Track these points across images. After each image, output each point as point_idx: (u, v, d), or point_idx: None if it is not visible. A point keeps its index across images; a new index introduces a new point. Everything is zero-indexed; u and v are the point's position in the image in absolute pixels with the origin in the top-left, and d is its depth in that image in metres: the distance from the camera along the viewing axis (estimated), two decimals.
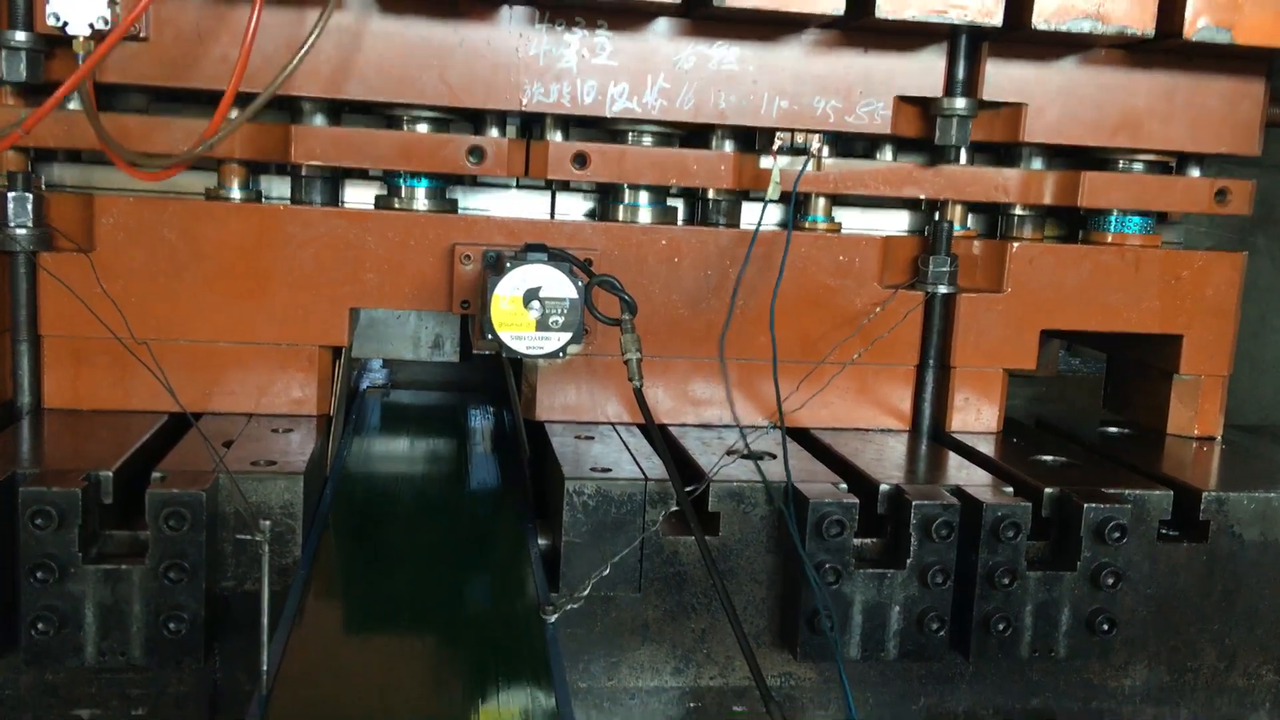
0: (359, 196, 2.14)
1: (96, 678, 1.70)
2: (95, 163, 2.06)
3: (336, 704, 1.42)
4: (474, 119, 2.07)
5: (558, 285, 1.84)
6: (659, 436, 1.83)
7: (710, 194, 2.17)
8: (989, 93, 2.08)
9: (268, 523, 1.40)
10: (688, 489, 1.73)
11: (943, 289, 2.14)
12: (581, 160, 2.04)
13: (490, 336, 1.85)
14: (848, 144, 2.20)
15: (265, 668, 1.36)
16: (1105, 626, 1.77)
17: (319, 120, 2.00)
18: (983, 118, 2.10)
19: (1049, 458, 2.04)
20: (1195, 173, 2.22)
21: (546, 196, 2.25)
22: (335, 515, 1.89)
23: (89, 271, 1.92)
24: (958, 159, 2.17)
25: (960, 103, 2.04)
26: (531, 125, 2.13)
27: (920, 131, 2.11)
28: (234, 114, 1.80)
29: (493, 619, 1.65)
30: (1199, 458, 2.16)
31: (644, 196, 2.12)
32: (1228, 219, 2.95)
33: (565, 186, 2.24)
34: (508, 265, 1.83)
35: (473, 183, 2.21)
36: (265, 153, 1.99)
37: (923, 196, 2.18)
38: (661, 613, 1.80)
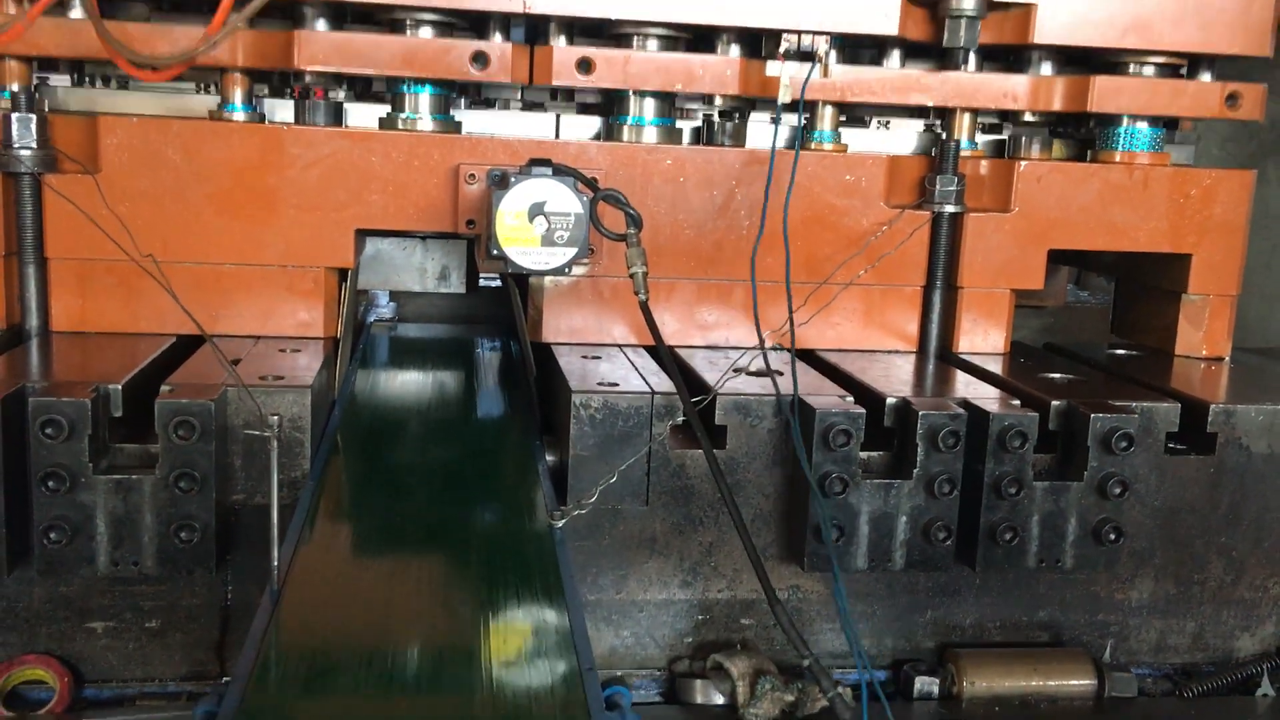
0: (362, 121, 2.13)
1: (110, 590, 1.71)
2: (99, 86, 2.06)
3: (345, 613, 1.43)
4: (478, 26, 2.06)
5: (563, 200, 1.84)
6: (665, 349, 1.83)
7: (716, 111, 2.15)
8: None
9: (275, 417, 1.41)
10: (694, 400, 1.73)
11: (949, 208, 2.13)
12: (586, 66, 2.03)
13: (496, 253, 1.85)
14: (855, 52, 2.17)
15: (274, 563, 1.36)
16: (1112, 536, 1.78)
17: (321, 26, 1.98)
18: (991, 19, 2.08)
19: (1056, 375, 2.04)
20: (1206, 78, 2.19)
21: (551, 119, 2.24)
22: (343, 436, 1.89)
23: (95, 193, 1.92)
24: (966, 63, 2.15)
25: (969, 3, 2.01)
26: (536, 33, 2.11)
27: (928, 35, 2.08)
28: (235, 16, 1.78)
29: (502, 532, 1.66)
30: (1207, 375, 2.16)
31: (649, 109, 2.11)
32: (1238, 147, 2.94)
33: (571, 99, 2.22)
34: (512, 180, 1.83)
35: (478, 95, 2.19)
36: (269, 60, 1.98)
37: (930, 104, 2.15)
38: (669, 526, 1.81)
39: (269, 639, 1.30)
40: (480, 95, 2.21)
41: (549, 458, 1.85)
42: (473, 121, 2.18)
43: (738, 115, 2.25)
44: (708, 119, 2.19)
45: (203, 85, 2.14)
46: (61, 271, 1.98)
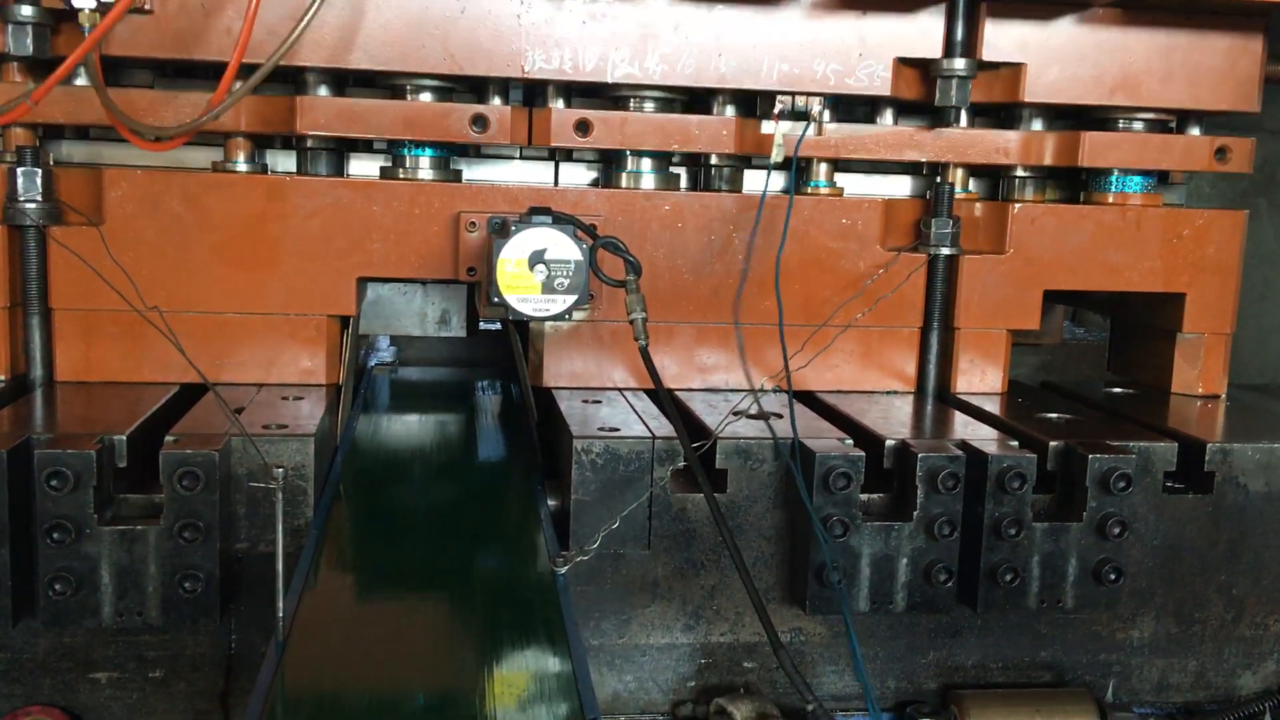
0: (363, 171, 2.16)
1: (114, 640, 1.72)
2: (103, 139, 2.09)
3: (350, 662, 1.43)
4: (477, 90, 2.09)
5: (563, 248, 1.86)
6: (665, 394, 1.85)
7: (713, 160, 2.18)
8: (988, 53, 2.10)
9: (281, 469, 1.42)
10: (695, 445, 1.75)
11: (945, 250, 2.16)
12: (584, 127, 2.06)
13: (496, 300, 1.87)
14: (849, 109, 2.21)
15: (280, 614, 1.37)
16: (1112, 576, 1.78)
17: (323, 91, 2.01)
18: (982, 79, 2.12)
19: (1054, 415, 2.05)
20: (1195, 132, 2.23)
21: (550, 168, 2.27)
22: (346, 481, 1.91)
23: (99, 244, 1.94)
24: (958, 121, 2.19)
25: (960, 63, 2.05)
26: (534, 95, 2.15)
27: (920, 94, 2.13)
28: (238, 85, 1.82)
29: (505, 578, 1.67)
30: (1203, 413, 2.17)
31: (646, 164, 2.14)
32: (1229, 185, 2.97)
33: (569, 157, 2.26)
34: (513, 229, 1.85)
35: (477, 153, 2.23)
36: (271, 124, 2.01)
37: (924, 159, 2.19)
38: (671, 570, 1.81)
39: (275, 689, 1.31)
40: (479, 153, 2.24)
41: (551, 502, 1.86)
42: (473, 170, 2.21)
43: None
44: (705, 164, 2.22)
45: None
46: (66, 322, 2.00)
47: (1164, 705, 1.99)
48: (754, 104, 2.15)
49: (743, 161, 2.20)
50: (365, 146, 2.17)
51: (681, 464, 1.77)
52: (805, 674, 1.83)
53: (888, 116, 2.19)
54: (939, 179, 2.21)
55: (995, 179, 2.33)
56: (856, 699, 1.89)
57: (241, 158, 2.05)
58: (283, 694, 1.31)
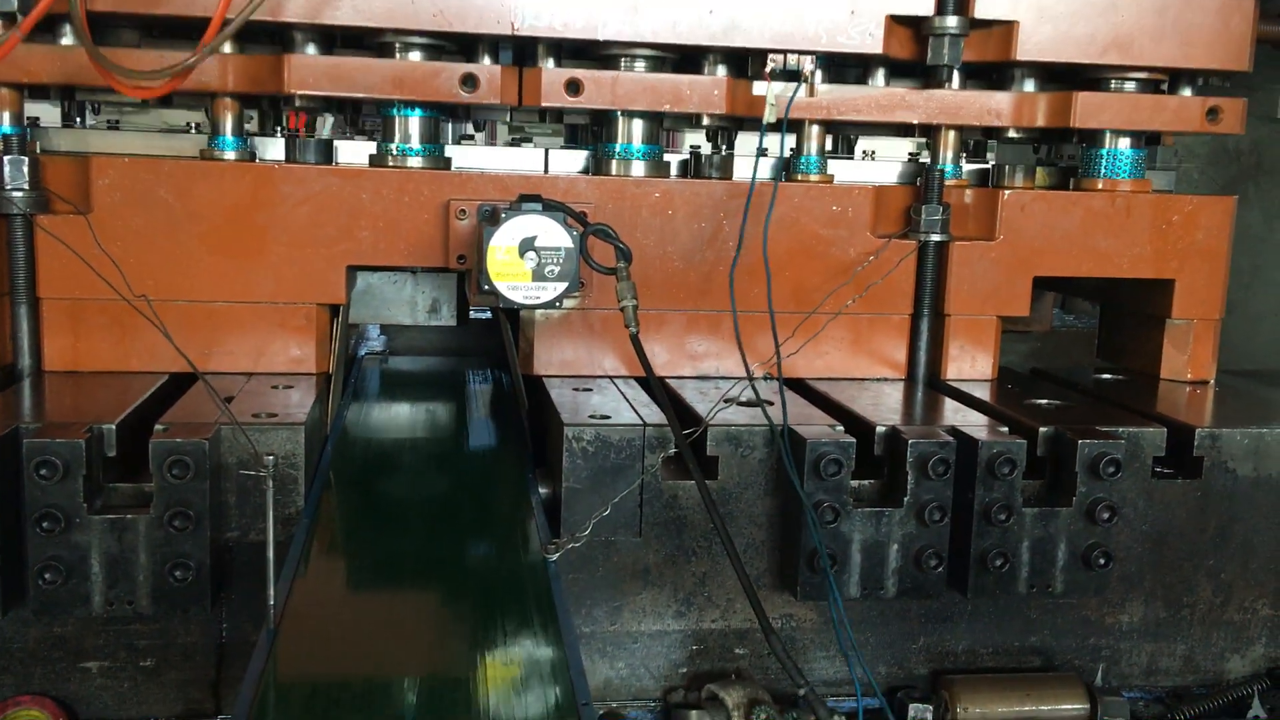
0: (353, 158, 2.15)
1: (104, 629, 1.72)
2: (89, 127, 2.08)
3: (342, 650, 1.43)
4: (467, 50, 2.08)
5: (553, 235, 1.86)
6: (656, 382, 1.85)
7: (704, 136, 2.17)
8: (980, 11, 2.07)
9: (271, 456, 1.41)
10: (686, 431, 1.75)
11: (935, 237, 2.16)
12: (575, 87, 2.04)
13: (487, 288, 1.87)
14: (840, 71, 2.20)
15: (271, 603, 1.37)
16: (1102, 561, 1.79)
17: (311, 50, 1.99)
18: (974, 38, 2.10)
19: (1044, 401, 2.06)
20: (1187, 93, 2.22)
21: (540, 155, 2.26)
22: (336, 470, 1.90)
23: (87, 233, 1.93)
24: (950, 82, 2.18)
25: (952, 21, 2.04)
26: (524, 55, 2.13)
27: (913, 54, 2.11)
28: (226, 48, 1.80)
29: (496, 566, 1.67)
30: (1192, 399, 2.18)
31: (638, 137, 2.13)
32: (1219, 171, 2.98)
33: (559, 119, 2.21)
34: (503, 216, 1.85)
35: (465, 116, 2.18)
36: (259, 84, 1.99)
37: (915, 121, 2.17)
38: (662, 557, 1.82)
39: (267, 677, 1.31)
40: (469, 116, 2.22)
41: (542, 490, 1.86)
42: (462, 157, 2.20)
43: (723, 138, 2.27)
44: (695, 152, 2.21)
45: (193, 125, 2.16)
46: (54, 311, 1.99)
47: (1153, 689, 2.00)
48: (745, 64, 2.13)
49: (735, 126, 2.17)
50: (354, 121, 2.14)
51: (672, 451, 1.77)
52: (796, 659, 1.83)
53: (879, 78, 2.18)
54: (929, 165, 2.20)
55: (985, 166, 2.33)
56: (847, 684, 1.89)
57: (229, 127, 2.03)
58: (274, 682, 1.31)
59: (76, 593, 1.58)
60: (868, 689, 1.82)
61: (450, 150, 2.17)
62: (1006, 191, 2.19)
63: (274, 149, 2.14)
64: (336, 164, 2.13)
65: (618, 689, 1.85)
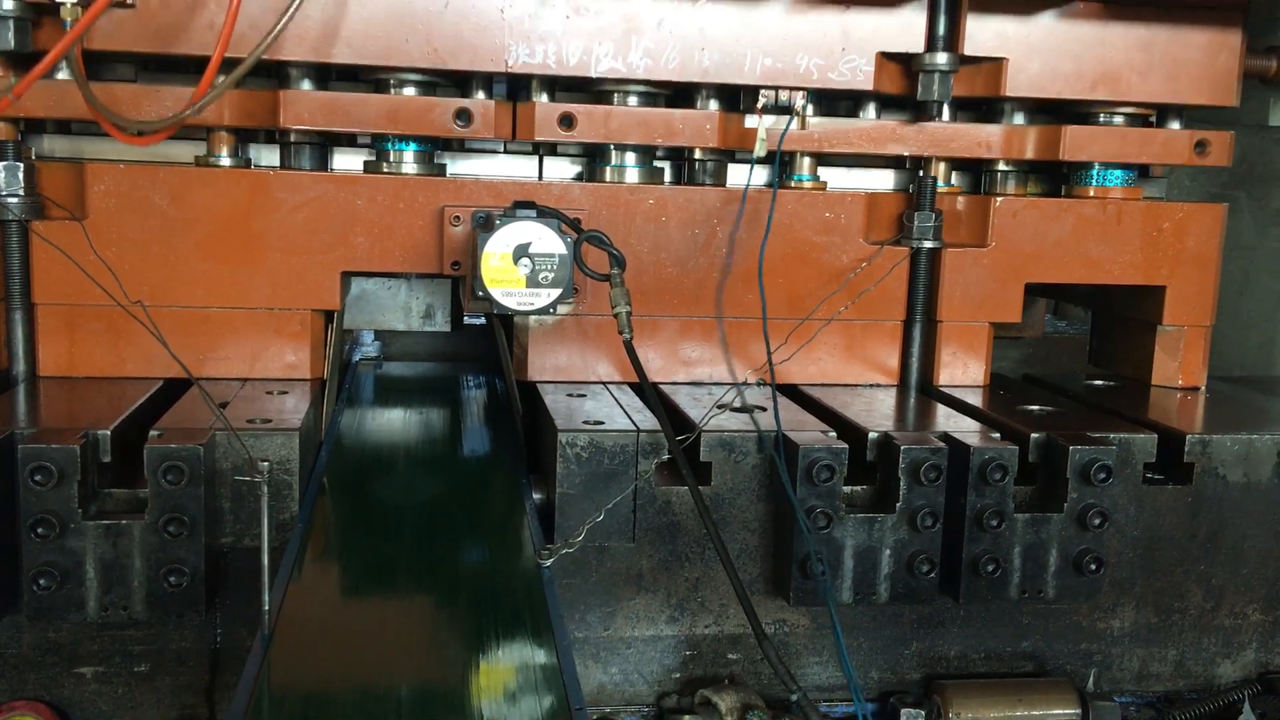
0: (347, 166, 2.16)
1: (99, 635, 1.72)
2: (85, 134, 2.08)
3: (336, 656, 1.44)
4: (461, 84, 2.09)
5: (547, 241, 1.86)
6: (650, 388, 1.86)
7: (696, 154, 2.19)
8: (970, 48, 2.11)
9: (266, 463, 1.42)
10: (679, 437, 1.75)
11: (928, 244, 2.17)
12: (568, 121, 2.06)
13: (481, 294, 1.87)
14: (832, 103, 2.22)
15: (266, 608, 1.37)
16: (1093, 566, 1.80)
17: (307, 85, 2.01)
18: (964, 73, 2.13)
19: (1035, 407, 2.07)
20: (1175, 125, 2.24)
21: (534, 162, 2.27)
22: (331, 476, 1.91)
23: (82, 239, 1.93)
24: (940, 115, 2.20)
25: (942, 57, 2.07)
26: (518, 89, 2.15)
27: (903, 89, 2.14)
28: (221, 79, 1.82)
29: (490, 571, 1.67)
30: (1183, 405, 2.19)
31: (630, 157, 2.15)
32: (1209, 178, 2.99)
33: (553, 151, 2.26)
34: (497, 223, 1.86)
35: (460, 147, 2.23)
36: (255, 119, 2.01)
37: (906, 153, 2.20)
38: (655, 562, 1.82)
39: (261, 683, 1.31)
40: (464, 146, 2.24)
41: (536, 496, 1.86)
42: (457, 164, 2.21)
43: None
44: (689, 158, 2.22)
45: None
46: (49, 317, 1.99)
47: (1144, 694, 2.01)
48: (737, 98, 2.15)
49: (727, 155, 2.20)
50: (349, 141, 2.17)
51: (666, 457, 1.77)
52: (789, 665, 1.84)
53: (870, 110, 2.20)
54: (921, 173, 2.22)
55: (977, 174, 2.35)
56: (840, 689, 1.90)
57: (225, 152, 2.05)
58: (268, 688, 1.31)
59: (71, 598, 1.58)
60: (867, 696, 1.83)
61: (445, 157, 2.18)
62: (998, 199, 2.21)
63: (269, 155, 2.14)
64: (331, 170, 2.13)
65: (611, 694, 1.86)
